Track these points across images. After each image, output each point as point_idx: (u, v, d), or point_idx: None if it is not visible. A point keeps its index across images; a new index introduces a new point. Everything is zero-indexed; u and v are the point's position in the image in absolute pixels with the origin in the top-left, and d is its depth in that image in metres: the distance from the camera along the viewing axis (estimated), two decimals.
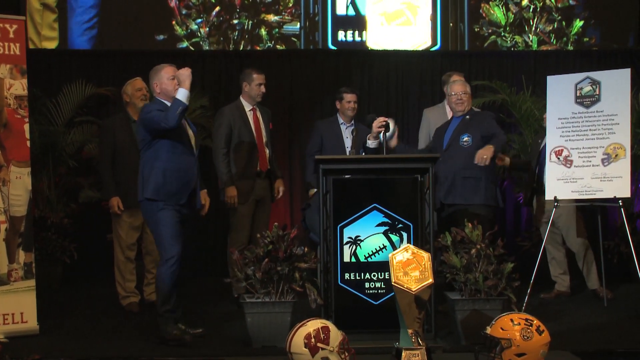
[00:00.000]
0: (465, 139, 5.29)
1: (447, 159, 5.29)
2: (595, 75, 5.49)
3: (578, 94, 5.47)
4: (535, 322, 3.88)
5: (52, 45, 7.49)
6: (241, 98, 5.80)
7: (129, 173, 5.30)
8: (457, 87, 5.43)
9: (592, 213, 5.90)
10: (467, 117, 5.39)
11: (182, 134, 4.63)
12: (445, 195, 5.32)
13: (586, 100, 5.45)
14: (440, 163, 5.21)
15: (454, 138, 5.34)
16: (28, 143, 4.91)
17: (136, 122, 4.99)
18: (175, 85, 4.53)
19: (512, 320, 3.86)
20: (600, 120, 5.39)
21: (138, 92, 5.60)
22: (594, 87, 5.43)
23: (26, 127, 4.89)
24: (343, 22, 7.66)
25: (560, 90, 5.53)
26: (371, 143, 5.08)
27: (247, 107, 5.77)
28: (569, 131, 5.48)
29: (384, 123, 4.94)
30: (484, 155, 5.11)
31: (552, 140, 5.53)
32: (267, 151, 5.77)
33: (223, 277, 5.21)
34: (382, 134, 4.95)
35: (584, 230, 5.91)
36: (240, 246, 5.37)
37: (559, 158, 5.49)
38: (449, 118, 5.65)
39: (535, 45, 7.70)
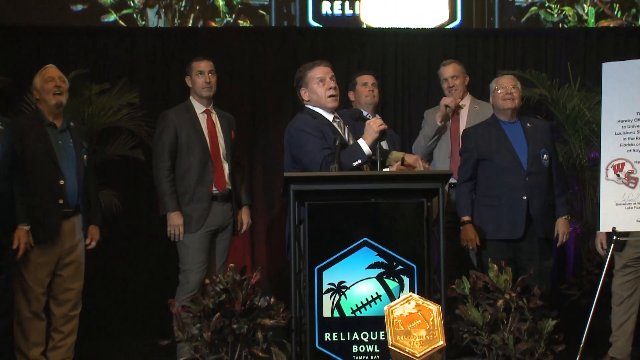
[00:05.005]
0: (545, 156, 5.70)
1: (533, 183, 5.61)
2: None
3: None
4: None
5: None
6: (190, 98, 5.96)
7: (44, 192, 5.41)
8: (505, 80, 5.85)
9: None
10: (528, 124, 5.77)
11: None
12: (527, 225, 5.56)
13: None
14: (524, 188, 5.58)
15: (534, 154, 5.66)
16: None
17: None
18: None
19: None
20: None
21: (48, 83, 5.57)
22: None
23: None
24: None
25: (620, 81, 5.59)
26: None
27: (199, 108, 5.90)
28: (633, 138, 5.53)
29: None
30: (565, 233, 5.72)
31: (609, 150, 5.58)
32: (226, 167, 5.88)
33: (160, 338, 5.26)
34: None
35: None
36: (191, 293, 5.50)
37: (618, 175, 5.54)
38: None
39: (592, 20, 7.75)
